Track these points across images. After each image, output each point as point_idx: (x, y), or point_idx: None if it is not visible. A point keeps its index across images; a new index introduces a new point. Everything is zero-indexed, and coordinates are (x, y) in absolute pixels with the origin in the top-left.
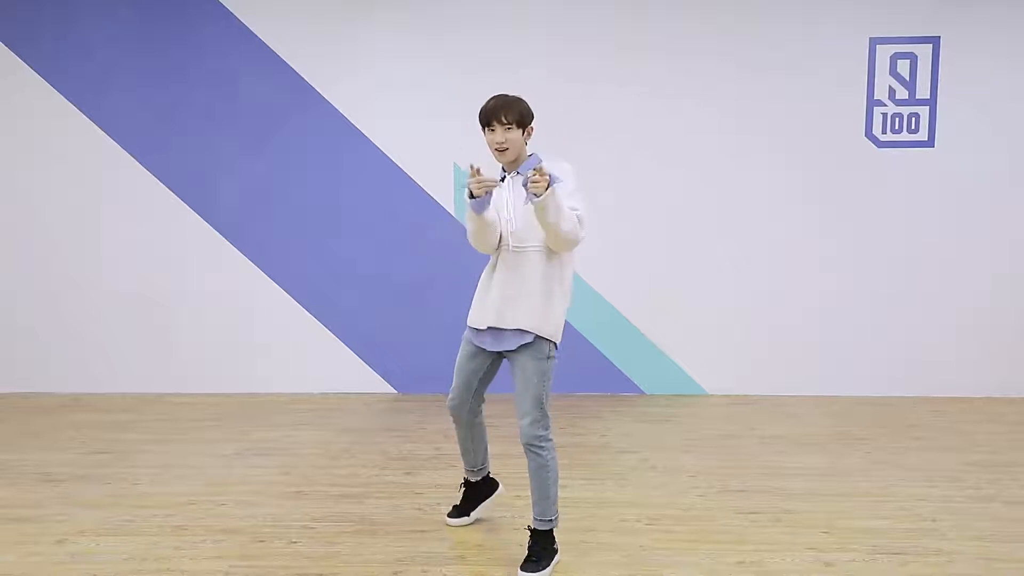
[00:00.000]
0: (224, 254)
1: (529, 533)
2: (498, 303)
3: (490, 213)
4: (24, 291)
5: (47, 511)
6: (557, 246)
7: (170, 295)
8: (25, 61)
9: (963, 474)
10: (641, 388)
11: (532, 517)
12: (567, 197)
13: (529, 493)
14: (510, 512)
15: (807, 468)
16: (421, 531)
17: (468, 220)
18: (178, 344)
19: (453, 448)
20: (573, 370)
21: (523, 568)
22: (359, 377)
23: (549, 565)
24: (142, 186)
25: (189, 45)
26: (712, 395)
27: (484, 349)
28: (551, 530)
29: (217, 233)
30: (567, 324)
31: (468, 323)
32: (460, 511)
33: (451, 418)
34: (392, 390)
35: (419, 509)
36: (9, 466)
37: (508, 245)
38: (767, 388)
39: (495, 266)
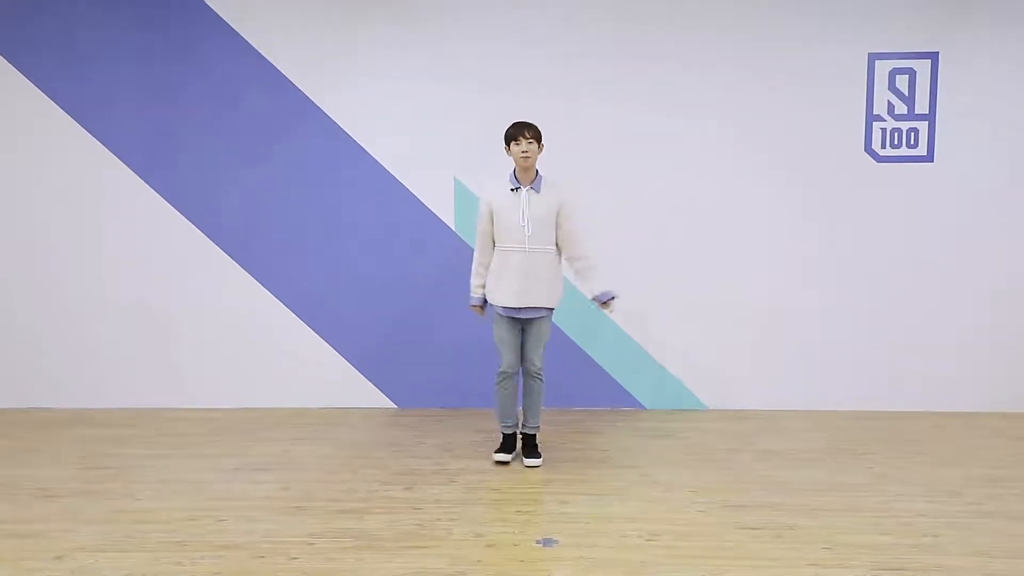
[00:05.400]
0: (225, 268)
1: (522, 438)
2: (527, 289)
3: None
4: (24, 306)
5: (46, 527)
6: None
7: (170, 309)
8: (26, 76)
9: (964, 489)
10: (641, 403)
11: (526, 426)
12: (576, 215)
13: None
14: (509, 527)
15: (808, 483)
16: (421, 547)
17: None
18: (178, 358)
19: (454, 463)
20: (574, 385)
21: (529, 456)
22: (359, 392)
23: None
24: (143, 200)
25: (190, 60)
26: (712, 410)
27: (517, 319)
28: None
29: (217, 247)
30: (568, 340)
31: (501, 304)
32: (507, 449)
33: (502, 384)
34: (392, 405)
35: (419, 524)
36: (8, 482)
37: (525, 248)
38: (767, 403)
39: (509, 259)
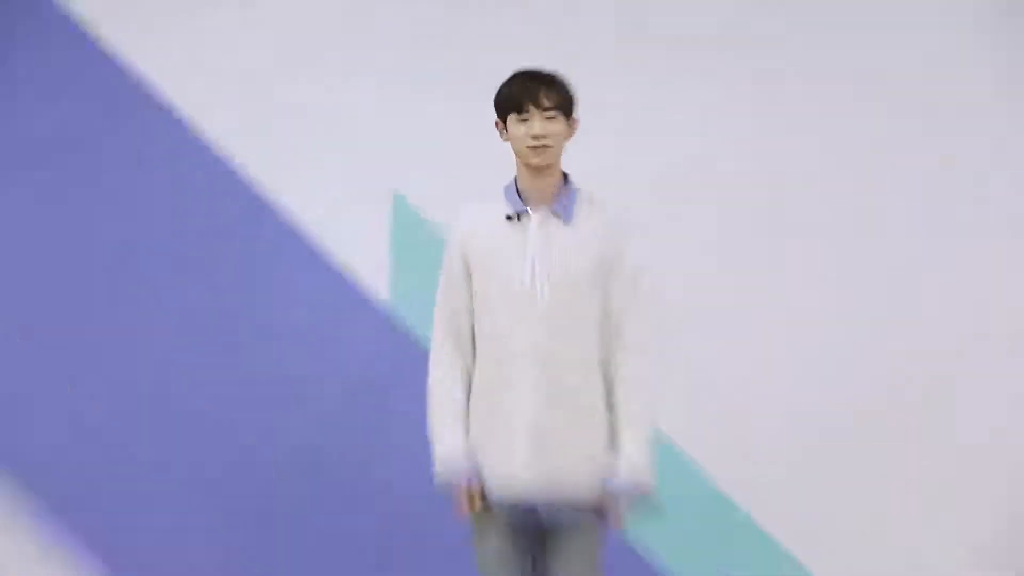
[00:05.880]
0: None
1: None
2: (546, 441)
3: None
4: None
5: None
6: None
7: None
8: None
9: None
10: None
11: None
12: (634, 286)
13: None
14: None
15: None
16: None
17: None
18: None
19: None
20: None
21: None
22: None
23: None
24: None
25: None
26: None
27: (526, 520)
28: None
29: None
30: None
31: (490, 483)
32: None
33: None
34: None
35: None
36: None
37: (537, 338)
38: None
39: (505, 374)
